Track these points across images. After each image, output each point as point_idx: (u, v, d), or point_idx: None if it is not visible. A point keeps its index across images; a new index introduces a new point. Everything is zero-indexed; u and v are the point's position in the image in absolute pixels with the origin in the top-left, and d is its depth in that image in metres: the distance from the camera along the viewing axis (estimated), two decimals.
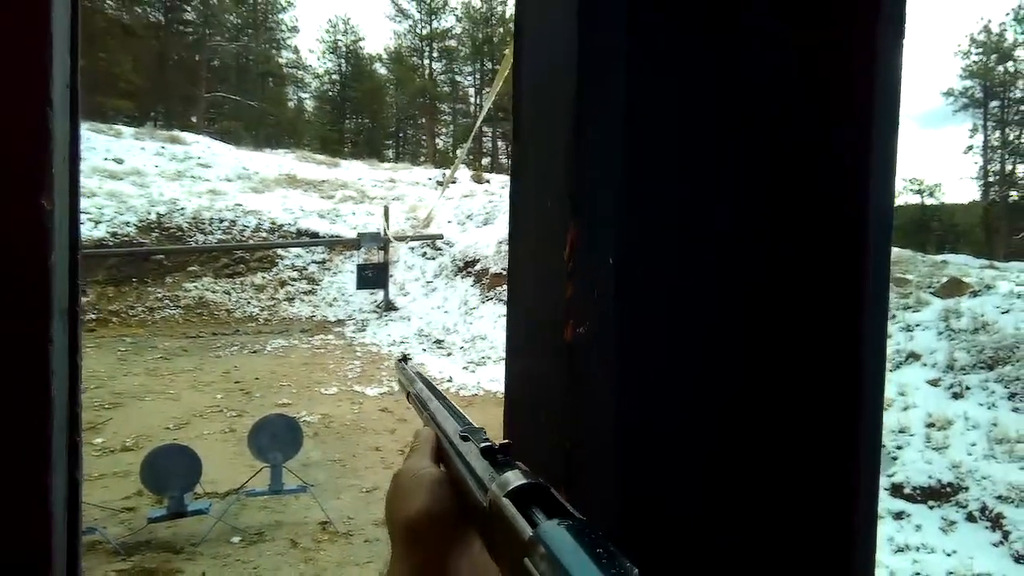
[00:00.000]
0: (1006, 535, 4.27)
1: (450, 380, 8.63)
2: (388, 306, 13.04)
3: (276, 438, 4.80)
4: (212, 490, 5.01)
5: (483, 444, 0.48)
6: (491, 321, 11.08)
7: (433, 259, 14.53)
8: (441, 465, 0.53)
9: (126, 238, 13.35)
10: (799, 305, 0.59)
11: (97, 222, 13.39)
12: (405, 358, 0.81)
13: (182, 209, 14.55)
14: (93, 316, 11.67)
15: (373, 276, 12.33)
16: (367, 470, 5.62)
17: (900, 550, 4.29)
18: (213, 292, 13.13)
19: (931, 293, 7.50)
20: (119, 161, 16.33)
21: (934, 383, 6.07)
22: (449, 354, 10.23)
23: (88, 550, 4.22)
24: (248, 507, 4.85)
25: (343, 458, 5.91)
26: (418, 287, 13.78)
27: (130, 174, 15.65)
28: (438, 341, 11.00)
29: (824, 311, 0.59)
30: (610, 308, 0.52)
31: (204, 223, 14.52)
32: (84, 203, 13.53)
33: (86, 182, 14.40)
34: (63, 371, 0.76)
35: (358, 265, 12.58)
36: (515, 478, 0.40)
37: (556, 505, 0.37)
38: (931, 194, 33.81)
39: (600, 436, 0.53)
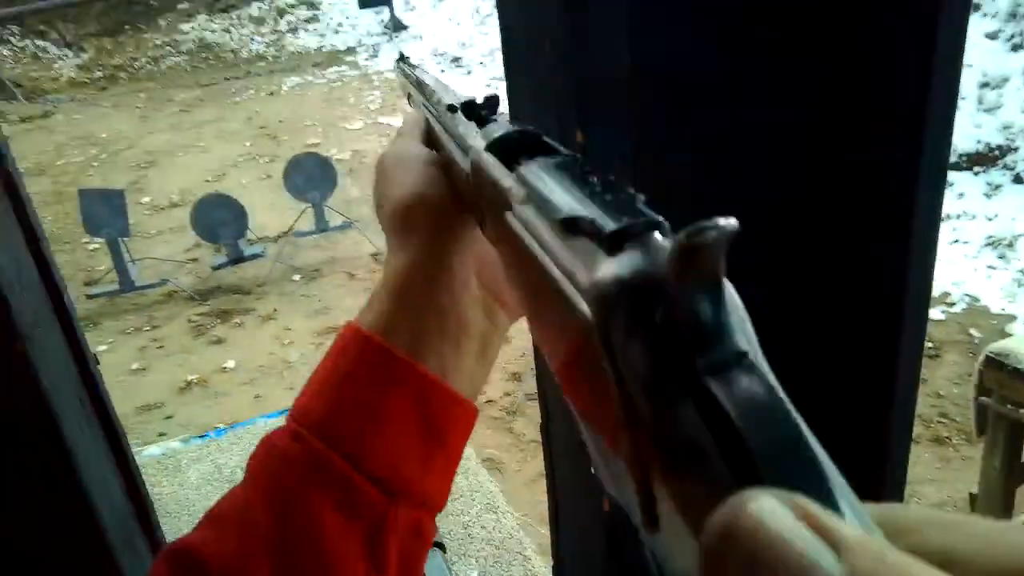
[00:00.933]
0: None
1: None
2: (396, 25, 12.17)
3: (310, 177, 4.83)
4: (263, 235, 5.22)
5: (464, 101, 0.39)
6: None
7: None
8: (435, 151, 0.46)
9: None
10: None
11: None
12: (403, 58, 0.73)
13: None
14: (100, 74, 11.28)
15: None
16: None
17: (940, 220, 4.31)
18: (212, 32, 12.38)
19: None
20: None
21: (992, 36, 5.57)
22: (469, 72, 9.76)
23: (167, 299, 4.58)
24: (301, 248, 5.09)
25: None
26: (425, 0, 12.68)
27: None
28: (455, 59, 10.42)
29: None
30: None
31: None
32: None
33: None
34: None
35: None
36: (498, 128, 0.32)
37: (547, 150, 0.30)
38: None
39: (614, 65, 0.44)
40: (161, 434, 3.34)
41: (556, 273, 0.21)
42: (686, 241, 0.15)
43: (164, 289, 4.61)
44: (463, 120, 0.39)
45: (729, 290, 0.17)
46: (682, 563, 0.16)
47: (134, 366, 3.86)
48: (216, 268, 4.66)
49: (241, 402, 3.55)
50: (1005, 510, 2.13)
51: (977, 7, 5.85)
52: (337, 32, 12.61)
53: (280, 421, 0.41)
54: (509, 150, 0.30)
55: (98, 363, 0.96)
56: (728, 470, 0.14)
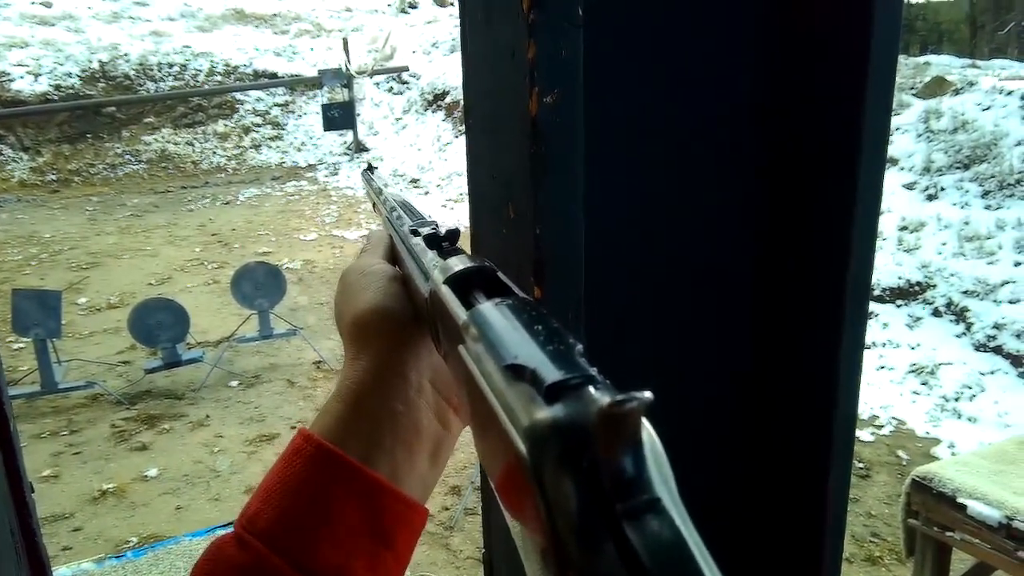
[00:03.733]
0: (969, 327, 4.50)
1: (430, 218, 8.57)
2: (359, 147, 12.65)
3: (259, 285, 4.81)
4: (204, 340, 5.10)
5: (427, 232, 0.43)
6: (465, 156, 10.81)
7: (400, 94, 13.88)
8: (397, 267, 0.49)
9: (71, 91, 12.53)
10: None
11: (36, 75, 12.49)
12: (371, 167, 0.78)
13: (126, 55, 13.55)
14: (54, 177, 11.27)
15: (340, 116, 11.81)
16: None
17: (867, 347, 4.52)
18: (175, 144, 12.61)
19: (913, 95, 7.33)
20: (47, 4, 14.91)
21: (910, 187, 6.10)
22: (426, 193, 10.10)
23: (91, 402, 4.36)
24: (241, 353, 4.97)
25: (329, 300, 5.97)
26: (387, 125, 13.29)
27: (62, 19, 14.36)
28: (414, 180, 10.80)
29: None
30: (578, 70, 0.46)
31: (152, 69, 13.60)
32: (19, 55, 12.54)
33: (15, 31, 13.26)
34: None
35: (323, 105, 12.00)
36: (457, 263, 0.35)
37: (500, 287, 0.33)
38: None
39: (570, 232, 0.49)
40: (66, 548, 3.08)
41: (499, 409, 0.23)
42: (608, 410, 0.18)
43: (89, 392, 4.40)
44: (424, 246, 0.42)
45: (650, 439, 0.19)
46: None
47: (45, 472, 3.61)
48: (149, 371, 4.49)
49: (159, 514, 3.32)
50: None
51: (895, 162, 6.45)
52: (300, 150, 13.00)
53: (207, 540, 0.40)
54: (466, 285, 0.34)
55: (32, 491, 0.90)
56: None
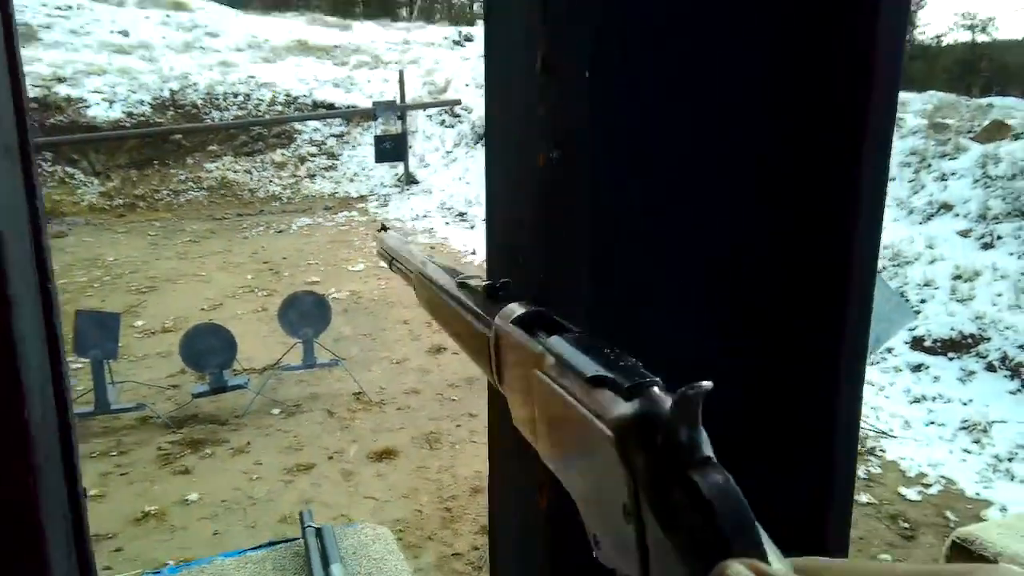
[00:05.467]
0: None
1: (474, 253, 8.68)
2: (409, 179, 12.92)
3: (305, 314, 4.93)
4: (249, 366, 5.24)
5: (484, 284, 0.52)
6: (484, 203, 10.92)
7: (452, 127, 14.17)
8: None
9: (142, 118, 13.18)
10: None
11: (111, 102, 13.18)
12: (384, 227, 0.84)
13: (195, 84, 14.21)
14: (121, 202, 11.81)
15: (392, 148, 12.10)
16: (396, 343, 5.81)
17: (916, 400, 4.37)
18: (234, 172, 13.10)
19: (971, 138, 7.14)
20: (125, 33, 15.79)
21: (964, 234, 5.92)
22: (472, 227, 10.23)
23: (140, 424, 4.52)
24: (284, 381, 5.09)
25: (372, 332, 6.09)
26: (438, 158, 13.55)
27: (138, 48, 15.18)
28: (461, 214, 10.96)
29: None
30: (585, 129, 0.50)
31: (218, 98, 14.21)
32: (96, 82, 13.27)
33: (94, 58, 14.07)
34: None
35: (376, 137, 12.32)
36: (518, 308, 0.45)
37: (559, 326, 0.42)
38: (983, 29, 31.36)
39: (574, 274, 0.52)
40: (106, 568, 3.18)
41: (583, 410, 0.32)
42: (681, 396, 0.26)
43: (139, 414, 4.56)
44: (476, 294, 0.50)
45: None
46: None
47: (92, 492, 3.75)
48: (196, 396, 4.64)
49: (197, 538, 3.41)
50: None
51: (949, 208, 6.28)
52: (352, 181, 13.35)
53: (238, 561, 0.40)
54: (529, 325, 0.43)
55: (86, 495, 0.93)
56: (709, 532, 0.24)
